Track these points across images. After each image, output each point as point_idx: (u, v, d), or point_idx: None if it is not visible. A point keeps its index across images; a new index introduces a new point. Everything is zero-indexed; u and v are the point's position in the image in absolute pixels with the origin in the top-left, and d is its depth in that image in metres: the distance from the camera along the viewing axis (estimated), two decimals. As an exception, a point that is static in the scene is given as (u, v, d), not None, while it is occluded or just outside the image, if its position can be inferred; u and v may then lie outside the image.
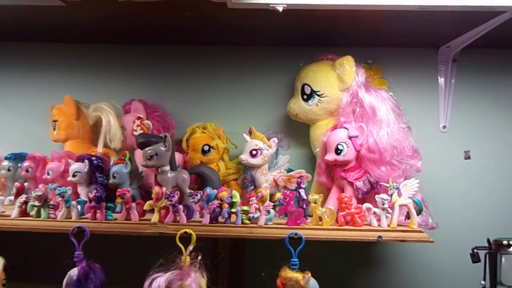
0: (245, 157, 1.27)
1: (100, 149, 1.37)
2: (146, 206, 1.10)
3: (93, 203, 1.11)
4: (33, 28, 1.41)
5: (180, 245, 0.99)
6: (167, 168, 1.17)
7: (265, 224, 1.07)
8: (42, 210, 1.14)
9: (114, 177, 1.21)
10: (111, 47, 1.52)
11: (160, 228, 1.06)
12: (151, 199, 1.09)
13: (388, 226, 1.07)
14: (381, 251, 1.45)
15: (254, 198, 1.10)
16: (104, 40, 1.50)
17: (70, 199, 1.13)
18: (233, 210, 1.08)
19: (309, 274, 0.99)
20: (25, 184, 1.29)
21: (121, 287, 1.21)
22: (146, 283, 0.96)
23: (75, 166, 1.21)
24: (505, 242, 1.08)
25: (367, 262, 1.45)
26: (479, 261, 1.13)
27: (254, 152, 1.27)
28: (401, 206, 1.09)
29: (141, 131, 1.33)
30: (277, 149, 1.33)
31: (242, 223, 1.08)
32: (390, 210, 1.08)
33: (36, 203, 1.13)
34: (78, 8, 1.12)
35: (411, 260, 1.44)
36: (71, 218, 1.13)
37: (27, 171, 1.34)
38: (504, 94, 1.46)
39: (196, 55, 1.51)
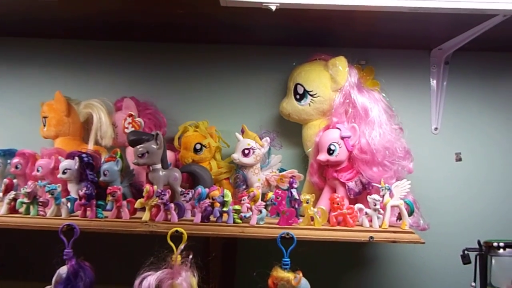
0: (237, 156, 1.27)
1: (90, 146, 1.35)
2: (137, 204, 1.09)
3: (83, 201, 1.10)
4: (23, 23, 1.39)
5: (171, 243, 0.99)
6: (159, 166, 1.16)
7: (256, 223, 1.07)
8: (31, 207, 1.12)
9: (105, 175, 1.20)
10: (103, 44, 1.51)
11: (151, 226, 1.05)
12: (142, 197, 1.08)
13: (380, 226, 1.07)
14: (373, 251, 1.46)
15: (246, 197, 1.09)
16: (96, 36, 1.49)
17: (60, 196, 1.12)
18: (224, 209, 1.07)
19: (301, 274, 0.99)
20: (14, 180, 1.26)
21: (111, 285, 1.21)
22: (137, 282, 0.95)
23: (65, 163, 1.20)
24: (495, 244, 1.08)
25: (359, 262, 1.46)
26: (469, 262, 1.13)
27: (246, 151, 1.27)
28: (392, 207, 1.09)
29: (133, 129, 1.32)
30: (269, 149, 1.33)
31: (234, 222, 1.07)
32: (381, 211, 1.08)
33: (25, 200, 1.12)
34: (70, 4, 1.12)
35: (402, 260, 1.44)
36: (60, 216, 1.11)
37: (16, 167, 1.32)
38: (495, 97, 1.47)
39: (189, 53, 1.50)
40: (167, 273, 0.96)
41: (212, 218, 1.08)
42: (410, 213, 1.10)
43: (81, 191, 1.10)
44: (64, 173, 1.19)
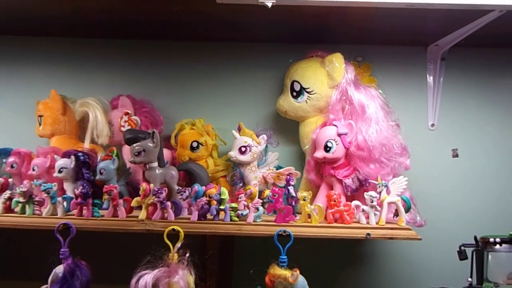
0: (234, 154, 1.27)
1: (87, 144, 1.35)
2: (133, 203, 1.09)
3: (79, 200, 1.09)
4: (18, 21, 1.38)
5: (168, 242, 0.98)
6: (155, 164, 1.16)
7: (253, 221, 1.07)
8: (27, 206, 1.12)
9: (101, 174, 1.20)
10: (98, 42, 1.50)
11: (148, 225, 1.05)
12: (139, 195, 1.08)
13: (377, 223, 1.07)
14: (370, 248, 1.46)
15: (243, 195, 1.09)
16: (91, 34, 1.48)
17: (56, 195, 1.12)
18: (221, 207, 1.07)
19: (298, 271, 0.99)
20: (10, 180, 1.26)
21: (107, 284, 1.20)
22: (133, 281, 0.95)
23: (61, 162, 1.19)
24: (491, 240, 1.08)
25: (356, 259, 1.46)
26: (466, 258, 1.13)
27: (243, 149, 1.26)
28: (389, 203, 1.09)
29: (129, 127, 1.32)
30: (266, 146, 1.32)
31: (231, 220, 1.07)
32: (378, 208, 1.08)
33: (21, 199, 1.12)
34: (65, 1, 1.11)
35: (399, 257, 1.44)
36: (56, 215, 1.11)
37: (12, 166, 1.31)
38: (491, 93, 1.47)
39: (185, 50, 1.50)
40: (164, 272, 0.96)
41: (209, 216, 1.08)
42: (407, 210, 1.10)
43: (77, 190, 1.10)
44: (60, 172, 1.19)
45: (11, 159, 1.32)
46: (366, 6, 1.07)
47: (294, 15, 1.21)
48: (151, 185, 1.09)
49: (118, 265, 1.17)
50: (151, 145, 1.13)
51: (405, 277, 1.45)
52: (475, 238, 1.13)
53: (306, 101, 1.30)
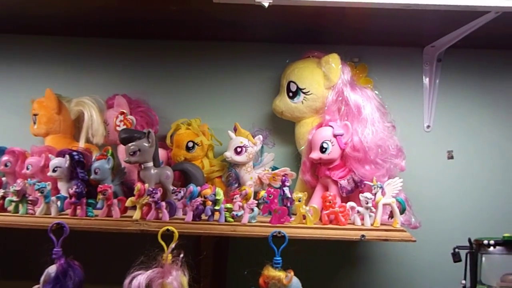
0: (229, 154, 1.26)
1: (82, 144, 1.35)
2: (128, 203, 1.08)
3: (73, 199, 1.09)
4: (13, 20, 1.38)
5: (162, 242, 0.98)
6: (150, 164, 1.15)
7: (248, 222, 1.06)
8: (20, 205, 1.11)
9: (95, 173, 1.19)
10: (94, 41, 1.50)
11: (142, 225, 1.05)
12: (134, 195, 1.07)
13: (372, 225, 1.07)
14: (364, 249, 1.46)
15: (238, 195, 1.09)
16: (87, 33, 1.48)
17: (50, 194, 1.11)
18: (216, 207, 1.07)
19: (292, 273, 0.99)
20: (3, 178, 1.26)
21: (100, 285, 1.20)
22: (127, 281, 0.94)
23: (55, 161, 1.19)
24: (485, 242, 1.08)
25: (350, 260, 1.46)
26: (460, 260, 1.14)
27: (239, 150, 1.26)
28: (384, 205, 1.09)
29: (124, 127, 1.30)
30: (262, 147, 1.32)
31: (226, 220, 1.07)
32: (373, 209, 1.08)
33: (14, 198, 1.11)
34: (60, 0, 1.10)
35: (394, 258, 1.44)
36: (50, 214, 1.10)
37: (5, 165, 1.30)
38: (487, 95, 1.47)
39: (181, 50, 1.49)
40: (158, 272, 0.95)
41: (203, 216, 1.08)
42: (402, 211, 1.10)
43: (71, 189, 1.09)
44: (54, 171, 1.18)
45: (5, 158, 1.31)
46: (363, 7, 1.06)
47: (291, 16, 1.21)
48: (146, 185, 1.09)
49: (111, 265, 1.17)
50: (146, 144, 1.13)
51: (399, 279, 1.45)
52: (469, 240, 1.13)
53: (302, 101, 1.30)
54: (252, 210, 1.08)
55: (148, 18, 1.32)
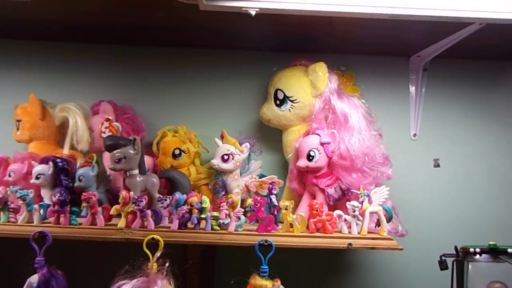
0: (216, 162, 1.26)
1: (66, 150, 1.33)
2: (112, 211, 1.06)
3: (56, 207, 1.06)
4: (-3, 24, 1.36)
5: (147, 251, 0.96)
6: (136, 171, 1.14)
7: (235, 230, 1.06)
8: (1, 213, 1.09)
9: (80, 180, 1.18)
10: (80, 46, 1.48)
11: (127, 233, 1.03)
12: (119, 203, 1.06)
13: (359, 233, 1.07)
14: (352, 258, 1.46)
15: (224, 203, 1.08)
16: (73, 38, 1.46)
17: (32, 202, 1.09)
18: (202, 215, 1.06)
19: (279, 282, 0.98)
20: (-15, 186, 1.23)
21: (84, 295, 1.17)
22: (111, 291, 0.93)
23: (38, 168, 1.17)
24: (472, 250, 1.09)
25: (337, 269, 1.45)
26: (447, 268, 1.14)
27: (225, 157, 1.25)
28: (371, 213, 1.09)
29: (110, 133, 1.30)
30: (249, 154, 1.31)
31: (212, 229, 1.06)
32: (360, 217, 1.08)
33: (-4, 206, 1.08)
34: (45, 4, 1.09)
35: (381, 267, 1.45)
36: (32, 223, 1.08)
37: (-13, 172, 1.28)
38: (472, 104, 1.49)
39: (168, 57, 1.49)
40: (143, 282, 0.93)
41: (189, 225, 1.06)
42: (389, 220, 1.10)
43: (55, 197, 1.07)
44: (37, 178, 1.16)
45: (-14, 165, 1.29)
46: (350, 17, 1.07)
47: (278, 24, 1.21)
48: (131, 193, 1.07)
49: (95, 275, 1.14)
50: (132, 152, 1.12)
51: (386, 287, 1.45)
52: (456, 248, 1.14)
53: (289, 109, 1.30)
54: (239, 218, 1.07)
55: (134, 24, 1.32)
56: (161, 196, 1.11)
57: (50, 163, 1.16)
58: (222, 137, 1.30)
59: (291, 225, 1.07)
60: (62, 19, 1.29)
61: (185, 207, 1.05)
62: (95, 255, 1.30)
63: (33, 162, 1.21)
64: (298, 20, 1.14)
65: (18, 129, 1.35)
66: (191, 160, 1.34)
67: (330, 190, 1.20)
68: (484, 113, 1.49)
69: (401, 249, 1.03)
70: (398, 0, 1.04)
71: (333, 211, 1.11)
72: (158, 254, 0.96)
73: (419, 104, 1.47)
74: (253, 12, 1.02)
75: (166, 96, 1.49)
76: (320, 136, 1.21)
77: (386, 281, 1.44)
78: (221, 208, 1.07)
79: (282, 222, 1.09)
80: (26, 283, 0.99)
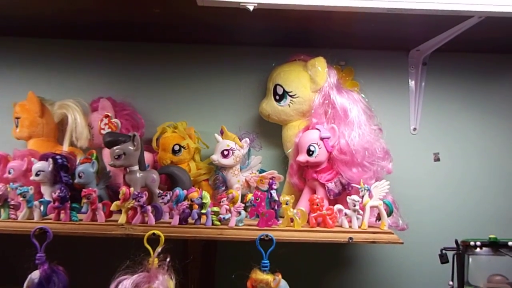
0: (216, 157, 1.25)
1: (65, 147, 1.32)
2: (113, 207, 1.07)
3: (56, 204, 1.07)
4: (-5, 21, 1.35)
5: (148, 246, 0.97)
6: (136, 168, 1.14)
7: (235, 225, 1.06)
8: (2, 210, 1.09)
9: (80, 177, 1.18)
10: (78, 43, 1.48)
11: (127, 229, 1.03)
12: (119, 199, 1.06)
13: (359, 227, 1.07)
14: (352, 252, 1.46)
15: (225, 199, 1.08)
16: (71, 35, 1.46)
17: (32, 199, 1.09)
18: (203, 211, 1.06)
19: (280, 276, 0.98)
20: (-15, 183, 1.23)
21: (85, 290, 1.18)
22: (112, 286, 0.93)
23: (38, 165, 1.17)
24: (472, 243, 1.09)
25: (338, 263, 1.46)
26: (447, 261, 1.14)
27: (225, 153, 1.25)
28: (372, 207, 1.09)
29: (109, 130, 1.29)
30: (249, 150, 1.31)
31: (213, 224, 1.06)
32: (361, 212, 1.08)
33: (-4, 203, 1.09)
34: (42, 1, 1.09)
35: (382, 261, 1.45)
36: (33, 219, 1.08)
37: (-13, 170, 1.28)
38: (472, 98, 1.49)
39: (167, 53, 1.48)
40: (144, 277, 0.94)
41: (190, 220, 1.07)
42: (389, 214, 1.10)
43: (55, 193, 1.07)
44: (37, 175, 1.16)
45: (-14, 162, 1.29)
46: (349, 11, 1.07)
47: (276, 19, 1.21)
48: (131, 189, 1.07)
49: (96, 271, 1.14)
50: (131, 148, 1.11)
51: (387, 281, 1.45)
52: (456, 241, 1.14)
53: (288, 104, 1.30)
54: (239, 213, 1.07)
55: (132, 21, 1.31)
56: (162, 192, 1.11)
57: (50, 160, 1.16)
58: (221, 133, 1.29)
59: (292, 220, 1.08)
60: (61, 16, 1.29)
61: (186, 203, 1.06)
62: (96, 251, 1.30)
63: (32, 159, 1.21)
64: (297, 15, 1.14)
65: (17, 126, 1.35)
66: (191, 156, 1.34)
67: (331, 185, 1.20)
68: (484, 107, 1.49)
69: (402, 243, 1.03)
70: (396, -6, 1.04)
71: (334, 205, 1.11)
72: (159, 249, 0.97)
73: (419, 98, 1.47)
74: (251, 7, 1.01)
75: (165, 92, 1.48)
76: (320, 131, 1.21)
77: (387, 275, 1.45)
78: (221, 203, 1.08)
79: (283, 217, 1.09)
80: (28, 279, 1.00)
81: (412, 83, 1.48)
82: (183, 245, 1.17)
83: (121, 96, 1.39)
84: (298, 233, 1.05)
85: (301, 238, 1.04)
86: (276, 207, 1.10)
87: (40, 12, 1.25)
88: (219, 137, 1.28)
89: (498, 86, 1.50)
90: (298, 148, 1.24)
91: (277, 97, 1.31)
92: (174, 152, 1.31)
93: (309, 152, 1.20)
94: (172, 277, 0.96)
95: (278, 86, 1.31)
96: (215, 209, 1.07)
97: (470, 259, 1.10)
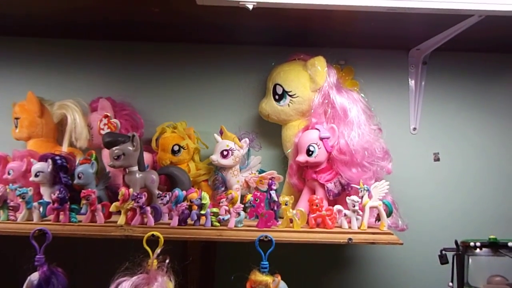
0: (216, 157, 1.25)
1: (65, 148, 1.32)
2: (112, 208, 1.06)
3: (56, 205, 1.06)
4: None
5: (147, 248, 0.96)
6: (135, 168, 1.13)
7: (235, 226, 1.05)
8: (1, 211, 1.09)
9: (79, 178, 1.18)
10: (77, 43, 1.47)
11: (127, 230, 1.03)
12: (118, 200, 1.06)
13: (359, 228, 1.07)
14: (352, 253, 1.46)
15: (224, 199, 1.08)
16: (71, 35, 1.45)
17: (31, 200, 1.09)
18: (202, 212, 1.05)
19: (279, 277, 0.98)
20: (-16, 184, 1.23)
21: (84, 292, 1.17)
22: (111, 288, 0.93)
23: (37, 165, 1.17)
24: (472, 244, 1.09)
25: (338, 264, 1.45)
26: (447, 262, 1.14)
27: (225, 153, 1.25)
28: (371, 208, 1.08)
29: (108, 130, 1.29)
30: (248, 150, 1.31)
31: (212, 225, 1.06)
32: (360, 212, 1.08)
33: (-5, 205, 1.08)
34: (41, 0, 1.08)
35: (381, 261, 1.45)
36: (32, 220, 1.08)
37: (-14, 171, 1.28)
38: (472, 97, 1.49)
39: (166, 52, 1.48)
40: (143, 278, 0.93)
41: (189, 221, 1.06)
42: (389, 214, 1.10)
43: (54, 194, 1.07)
44: (36, 176, 1.16)
45: (-15, 163, 1.28)
46: (348, 10, 1.06)
47: (276, 18, 1.21)
48: (130, 189, 1.07)
49: (95, 272, 1.14)
50: (131, 148, 1.11)
51: (387, 281, 1.45)
52: (456, 242, 1.13)
53: (288, 104, 1.29)
54: (239, 214, 1.07)
55: (132, 20, 1.31)
56: (161, 192, 1.10)
57: (49, 160, 1.16)
58: (221, 133, 1.29)
59: (291, 221, 1.07)
60: (60, 16, 1.28)
61: (185, 204, 1.05)
62: (95, 252, 1.30)
63: (32, 159, 1.20)
64: (296, 14, 1.14)
65: (16, 127, 1.35)
66: (191, 156, 1.34)
67: (330, 185, 1.19)
68: (484, 107, 1.49)
69: (401, 244, 1.03)
70: (396, -7, 1.03)
71: (333, 206, 1.11)
72: (158, 250, 0.96)
73: (419, 98, 1.47)
74: (250, 6, 1.01)
75: (165, 92, 1.48)
76: (319, 130, 1.21)
77: (387, 275, 1.44)
78: (220, 204, 1.07)
79: (282, 218, 1.09)
80: (27, 281, 0.99)
81: (412, 82, 1.48)
82: (182, 247, 1.17)
83: (121, 96, 1.38)
84: (297, 234, 1.04)
85: (301, 239, 1.03)
86: (275, 208, 1.10)
87: (39, 11, 1.24)
88: (218, 137, 1.28)
89: (499, 86, 1.50)
90: (297, 148, 1.24)
91: (277, 97, 1.31)
92: (174, 152, 1.31)
93: (309, 152, 1.20)
94: (172, 279, 0.96)
95: (277, 86, 1.30)
96: (215, 210, 1.07)
97: (470, 260, 1.10)
